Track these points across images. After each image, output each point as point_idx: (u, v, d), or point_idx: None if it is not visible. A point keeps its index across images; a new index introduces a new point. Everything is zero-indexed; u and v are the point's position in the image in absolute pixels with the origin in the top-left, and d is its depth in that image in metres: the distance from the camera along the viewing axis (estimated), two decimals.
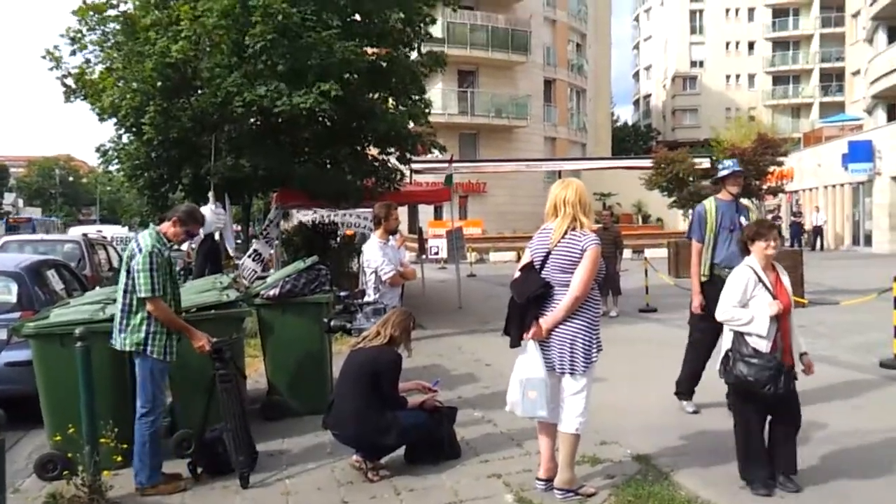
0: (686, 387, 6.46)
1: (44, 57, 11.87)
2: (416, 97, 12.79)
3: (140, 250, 4.87)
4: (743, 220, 6.20)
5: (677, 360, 6.54)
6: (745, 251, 4.69)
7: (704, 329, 6.09)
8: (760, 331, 4.36)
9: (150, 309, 4.84)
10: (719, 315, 4.57)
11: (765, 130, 34.72)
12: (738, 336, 4.46)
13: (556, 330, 4.44)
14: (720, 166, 6.54)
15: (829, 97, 62.25)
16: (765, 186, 30.26)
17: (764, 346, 4.37)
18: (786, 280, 4.62)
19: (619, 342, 9.42)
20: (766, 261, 4.56)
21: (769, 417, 4.52)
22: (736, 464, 4.77)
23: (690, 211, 33.28)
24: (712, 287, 5.79)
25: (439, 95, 34.14)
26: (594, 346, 4.46)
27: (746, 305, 4.47)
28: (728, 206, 6.33)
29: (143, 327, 4.88)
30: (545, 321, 4.43)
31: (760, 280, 4.48)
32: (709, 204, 6.38)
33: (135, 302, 4.88)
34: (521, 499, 4.55)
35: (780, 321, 4.44)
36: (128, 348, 4.89)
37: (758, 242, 4.56)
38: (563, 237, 4.45)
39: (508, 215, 38.05)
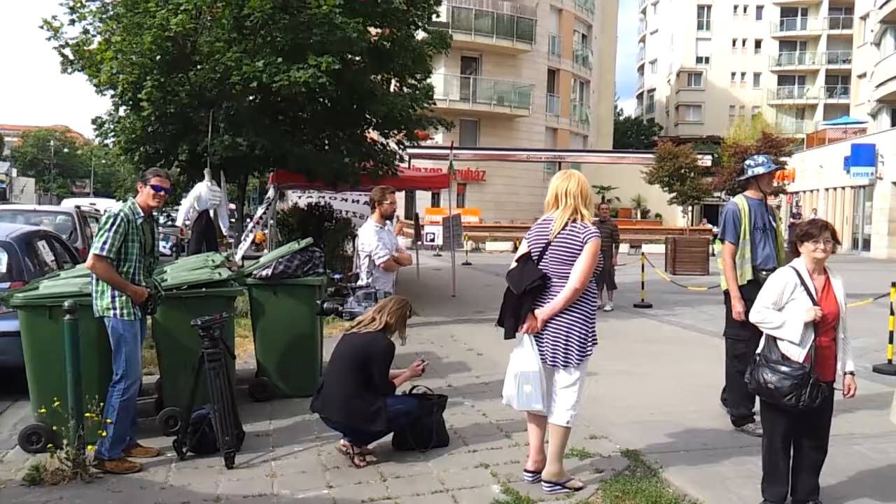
0: (747, 409, 5.70)
1: (41, 26, 11.69)
2: (420, 78, 12.67)
3: (105, 213, 4.94)
4: (772, 219, 5.84)
5: (670, 356, 6.56)
6: (795, 252, 4.25)
7: (749, 339, 5.16)
8: (793, 337, 4.00)
9: (89, 265, 4.85)
10: (752, 316, 4.26)
11: (769, 129, 34.69)
12: (770, 340, 4.14)
13: (551, 322, 4.39)
14: (752, 162, 6.03)
15: (834, 99, 62.18)
16: None
17: (797, 353, 4.00)
18: (838, 288, 4.15)
19: (613, 336, 9.39)
20: (815, 264, 4.11)
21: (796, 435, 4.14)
22: (725, 463, 4.76)
23: (690, 208, 33.18)
24: (754, 292, 4.72)
25: (441, 81, 33.94)
26: (589, 339, 4.43)
27: (783, 309, 4.11)
28: (759, 204, 5.91)
29: (108, 290, 4.87)
30: (541, 313, 4.38)
31: (803, 283, 4.08)
32: (741, 203, 5.91)
33: None
34: (508, 490, 4.50)
35: (821, 330, 4.04)
36: (99, 314, 4.90)
37: (806, 243, 4.12)
38: (563, 229, 4.39)
39: (506, 205, 37.99)
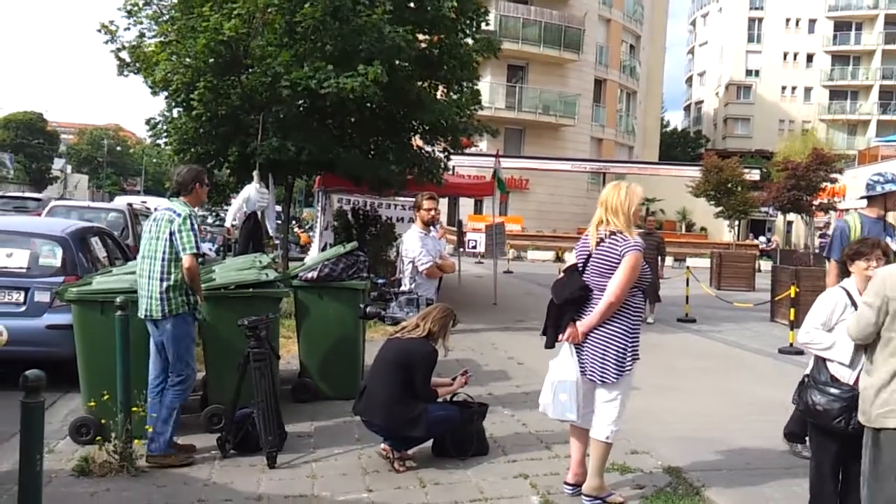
0: (800, 428, 5.39)
1: (99, 30, 12.02)
2: (468, 85, 12.71)
3: (179, 214, 4.97)
4: (890, 241, 5.21)
5: (714, 372, 6.45)
6: (845, 272, 4.17)
7: None
8: (842, 358, 3.87)
9: (190, 265, 4.90)
10: (800, 336, 4.15)
11: (820, 145, 34.01)
12: (819, 361, 4.03)
13: (591, 335, 4.36)
14: (881, 178, 5.68)
15: (888, 115, 60.67)
16: (816, 202, 29.64)
17: (847, 375, 3.87)
18: None
19: (655, 350, 9.28)
20: (867, 283, 3.89)
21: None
22: (770, 484, 4.66)
23: (737, 222, 32.66)
24: None
25: (487, 89, 33.95)
26: (628, 355, 4.33)
27: (832, 329, 3.99)
28: (874, 223, 5.58)
29: (183, 289, 4.97)
30: (581, 324, 4.36)
31: (853, 303, 3.94)
32: (852, 220, 5.67)
33: (172, 268, 4.94)
34: (548, 501, 4.48)
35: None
36: (177, 312, 4.94)
37: (857, 262, 4.04)
38: (602, 240, 4.36)
39: (549, 214, 37.81)
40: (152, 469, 4.88)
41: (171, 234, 4.94)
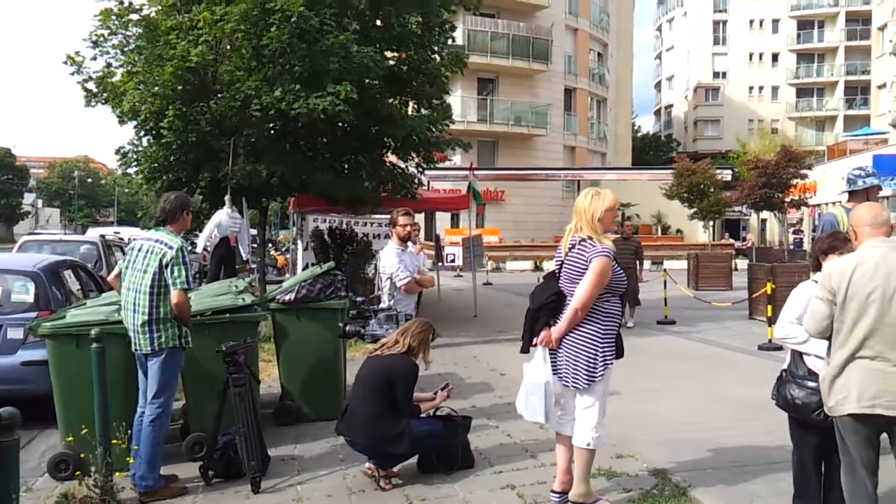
0: None
1: (65, 62, 11.94)
2: (438, 101, 12.76)
3: (171, 247, 4.86)
4: None
5: (696, 372, 6.48)
6: (817, 267, 4.15)
7: None
8: (818, 351, 3.88)
9: (179, 301, 4.82)
10: (776, 332, 4.22)
11: (788, 143, 34.45)
12: (796, 356, 4.08)
13: (564, 341, 4.36)
14: (862, 173, 5.73)
15: (854, 110, 61.66)
16: (787, 199, 30.01)
17: (824, 368, 3.79)
18: None
19: (637, 354, 9.29)
20: None
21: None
22: (755, 481, 4.68)
23: (711, 223, 32.86)
24: None
25: (458, 103, 34.08)
26: (599, 361, 4.29)
27: None
28: None
29: (173, 323, 4.89)
30: (554, 331, 4.37)
31: None
32: (840, 214, 5.68)
33: (164, 302, 4.85)
34: None
35: None
36: (162, 346, 4.85)
37: (831, 256, 4.04)
38: (573, 247, 4.38)
39: (526, 224, 37.95)
40: (135, 501, 4.81)
41: (162, 266, 4.83)
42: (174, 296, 4.82)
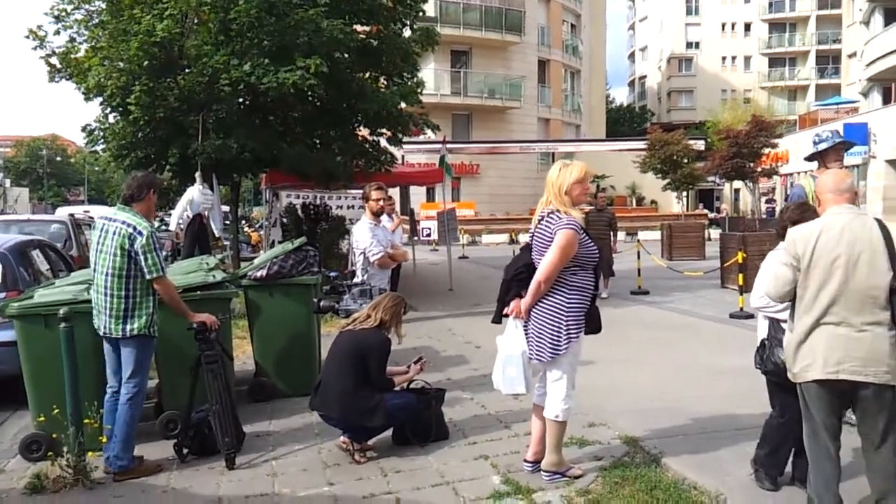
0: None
1: (27, 36, 11.66)
2: (409, 76, 12.66)
3: (141, 233, 4.74)
4: None
5: (668, 341, 6.55)
6: (783, 236, 4.09)
7: None
8: None
9: (163, 288, 4.81)
10: (753, 302, 4.27)
11: (760, 112, 34.66)
12: (774, 322, 4.17)
13: (532, 313, 4.38)
14: (817, 139, 5.76)
15: (826, 79, 62.14)
16: (759, 169, 30.28)
17: None
18: None
19: (611, 324, 9.31)
20: None
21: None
22: (724, 447, 4.76)
23: (685, 193, 33.03)
24: None
25: (432, 76, 33.92)
26: (563, 335, 4.28)
27: None
28: None
29: (147, 309, 4.83)
30: (522, 303, 4.39)
31: None
32: (808, 185, 5.70)
33: (139, 287, 4.79)
34: (508, 480, 4.52)
35: None
36: (136, 333, 4.78)
37: None
38: (542, 219, 4.39)
39: (502, 197, 38.01)
40: (108, 480, 4.80)
41: (129, 252, 4.73)
42: (157, 286, 4.81)
